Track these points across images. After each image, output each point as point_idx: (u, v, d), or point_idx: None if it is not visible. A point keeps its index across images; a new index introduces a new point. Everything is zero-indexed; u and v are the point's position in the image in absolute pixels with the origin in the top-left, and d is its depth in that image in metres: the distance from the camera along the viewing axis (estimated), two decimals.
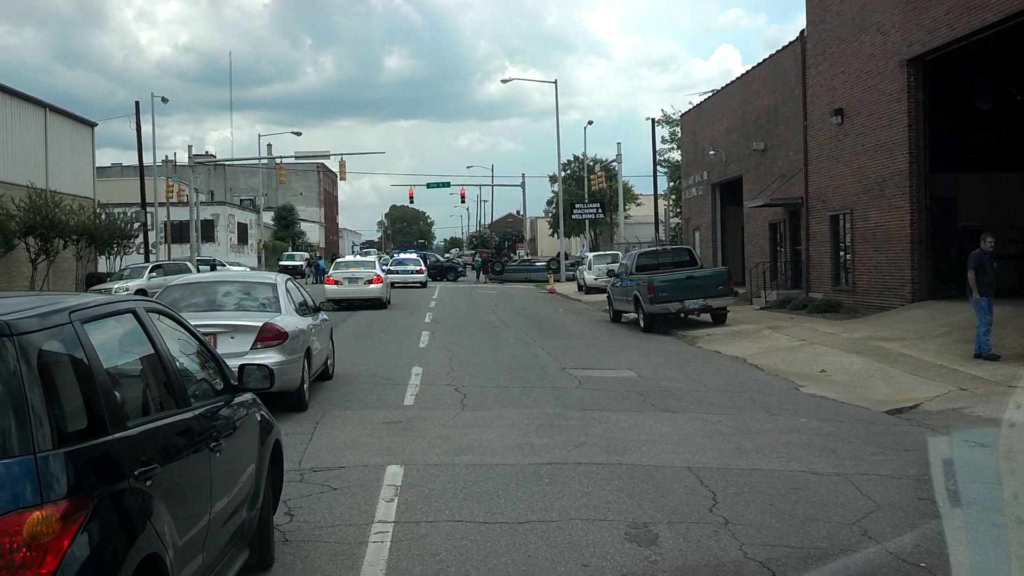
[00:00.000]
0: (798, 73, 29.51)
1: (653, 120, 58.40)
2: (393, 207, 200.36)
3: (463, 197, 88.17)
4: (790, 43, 30.82)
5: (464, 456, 9.58)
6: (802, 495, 8.08)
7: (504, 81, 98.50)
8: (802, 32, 29.40)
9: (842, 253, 27.45)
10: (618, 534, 6.91)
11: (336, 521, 7.33)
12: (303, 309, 14.61)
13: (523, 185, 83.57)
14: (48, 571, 3.50)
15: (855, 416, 12.27)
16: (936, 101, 23.22)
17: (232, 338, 12.13)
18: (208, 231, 79.33)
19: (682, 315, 24.68)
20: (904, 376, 15.37)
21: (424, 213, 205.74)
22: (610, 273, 30.88)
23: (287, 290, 14.36)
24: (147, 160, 58.70)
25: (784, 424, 11.49)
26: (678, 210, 59.19)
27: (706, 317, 25.28)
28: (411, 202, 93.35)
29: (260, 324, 12.47)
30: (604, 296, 32.15)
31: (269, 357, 11.67)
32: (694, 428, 11.14)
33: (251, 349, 12.08)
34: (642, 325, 24.81)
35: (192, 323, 10.72)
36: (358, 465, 9.23)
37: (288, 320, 13.12)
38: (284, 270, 75.20)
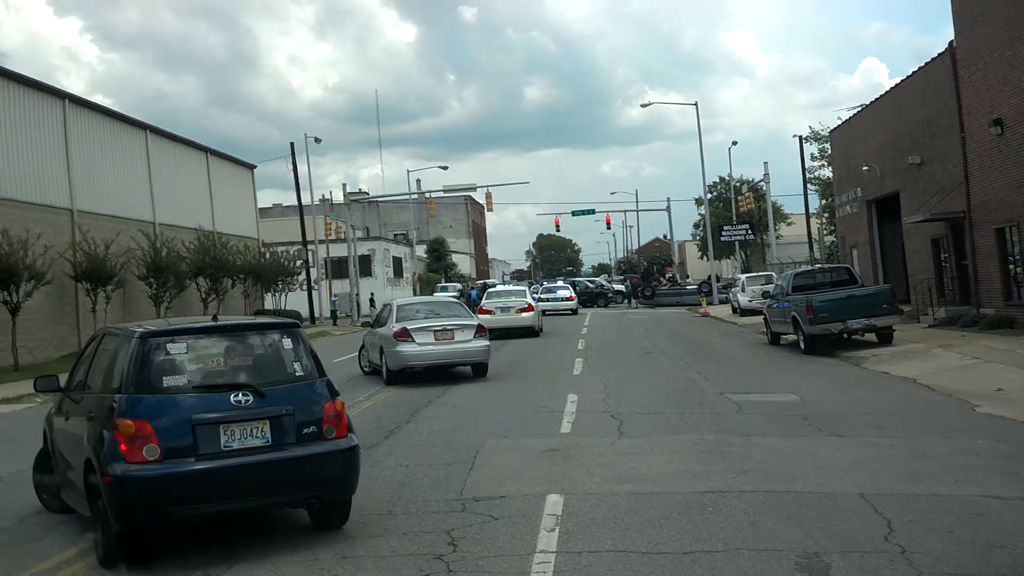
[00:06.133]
0: (950, 84, 28.31)
1: (801, 137, 57.04)
2: (540, 236, 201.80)
3: (608, 223, 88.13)
4: (939, 55, 29.59)
5: (624, 484, 9.46)
6: (984, 521, 7.63)
7: (644, 105, 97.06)
8: (951, 43, 28.22)
9: (1012, 266, 26.09)
10: (788, 564, 6.66)
11: (498, 551, 7.33)
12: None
13: (668, 209, 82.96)
14: (345, 423, 8.29)
15: None
16: None
17: (462, 332, 20.50)
18: (365, 266, 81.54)
19: (845, 335, 23.86)
20: None
21: (571, 241, 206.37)
22: (765, 295, 30.16)
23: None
24: (305, 199, 60.81)
25: (961, 446, 10.91)
26: (832, 228, 57.50)
27: (871, 337, 24.39)
28: (557, 230, 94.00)
29: (476, 324, 21.20)
30: (759, 318, 31.45)
31: (483, 342, 20.67)
32: (864, 453, 10.69)
33: (473, 338, 20.50)
34: (802, 347, 24.12)
35: (437, 323, 20.48)
36: (518, 494, 9.22)
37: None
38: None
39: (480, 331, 20.75)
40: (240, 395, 7.67)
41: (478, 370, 20.91)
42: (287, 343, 8.35)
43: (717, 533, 7.54)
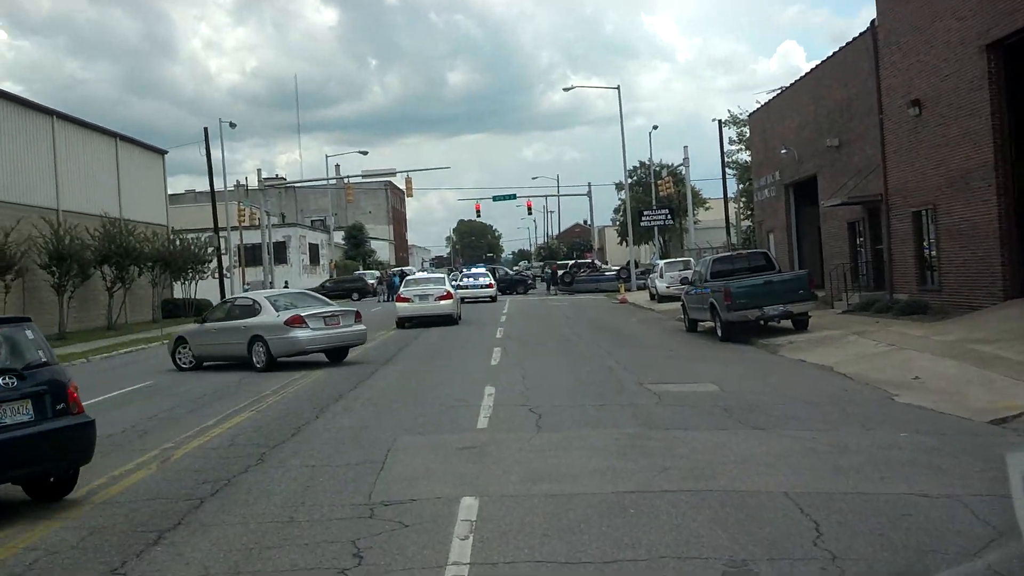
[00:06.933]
0: (871, 65, 28.49)
1: (720, 121, 57.37)
2: (461, 222, 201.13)
3: (530, 208, 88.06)
4: (860, 34, 29.81)
5: (542, 484, 9.01)
6: (913, 522, 7.36)
7: (566, 89, 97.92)
8: (873, 23, 28.38)
9: (926, 251, 26.39)
10: (715, 574, 6.28)
11: (408, 563, 6.80)
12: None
13: (589, 194, 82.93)
14: (80, 401, 9.50)
15: (957, 427, 11.44)
16: (1022, 87, 22.13)
17: (345, 317, 22.37)
18: (280, 253, 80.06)
19: (762, 322, 23.83)
20: (1004, 381, 14.41)
21: (491, 226, 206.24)
22: (683, 281, 30.11)
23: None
24: (219, 186, 59.30)
25: (882, 439, 10.70)
26: (749, 212, 58.04)
27: (787, 323, 24.40)
28: (478, 216, 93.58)
29: (355, 311, 23.50)
30: (677, 304, 31.42)
31: (361, 326, 22.88)
32: (786, 446, 10.42)
33: (354, 323, 22.54)
34: (720, 334, 24.02)
35: (326, 310, 22.51)
36: (431, 497, 8.72)
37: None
38: (355, 288, 75.67)
39: (358, 317, 22.86)
40: (6, 378, 8.75)
41: (340, 355, 22.54)
42: (28, 334, 9.45)
43: (640, 538, 7.13)
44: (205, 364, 23.14)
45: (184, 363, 23.22)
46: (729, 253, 32.47)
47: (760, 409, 13.08)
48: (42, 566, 7.18)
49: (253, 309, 22.43)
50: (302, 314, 21.59)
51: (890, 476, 8.91)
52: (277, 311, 21.87)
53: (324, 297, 26.26)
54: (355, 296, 66.85)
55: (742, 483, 8.77)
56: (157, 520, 8.38)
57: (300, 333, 21.29)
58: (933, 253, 25.80)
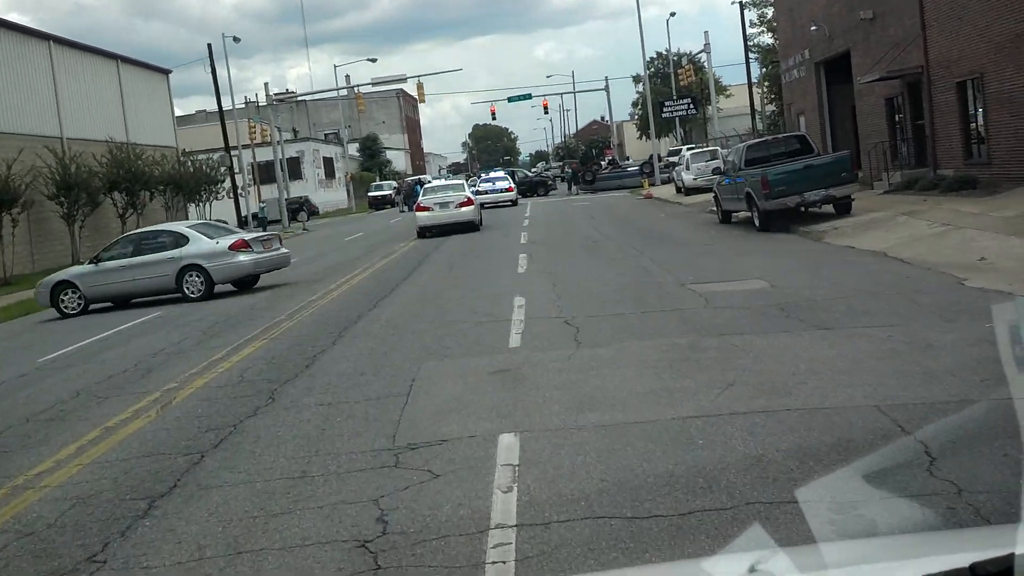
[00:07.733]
0: None
1: (741, 3, 54.78)
2: (476, 127, 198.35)
3: (546, 108, 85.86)
4: None
5: (590, 414, 7.81)
6: None
7: None
8: None
9: (973, 123, 24.74)
10: (820, 524, 5.02)
11: (441, 529, 5.61)
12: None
13: (607, 88, 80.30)
14: None
15: None
16: None
17: (275, 242, 23.05)
18: (295, 169, 78.73)
19: (802, 208, 22.43)
20: None
21: (507, 129, 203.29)
22: (715, 171, 28.65)
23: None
24: (228, 104, 57.68)
25: (967, 333, 9.36)
26: (773, 97, 55.92)
27: (827, 208, 23.01)
28: (493, 119, 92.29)
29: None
30: (706, 197, 29.99)
31: (286, 250, 23.34)
32: (861, 348, 9.18)
33: (281, 246, 23.07)
34: (757, 224, 22.71)
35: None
36: (463, 436, 7.54)
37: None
38: (374, 201, 74.24)
39: (280, 241, 23.77)
40: None
41: (254, 282, 22.73)
42: None
43: (716, 478, 5.93)
44: (125, 303, 22.14)
45: (71, 308, 21.88)
46: (764, 139, 30.82)
47: (819, 305, 11.83)
48: (10, 554, 6.07)
49: (177, 241, 22.00)
50: (246, 238, 22.44)
51: (990, 377, 7.64)
52: (213, 239, 21.95)
53: (227, 225, 28.86)
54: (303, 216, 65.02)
55: (822, 397, 7.55)
56: (150, 483, 7.23)
57: (245, 257, 21.56)
58: (980, 124, 24.19)
